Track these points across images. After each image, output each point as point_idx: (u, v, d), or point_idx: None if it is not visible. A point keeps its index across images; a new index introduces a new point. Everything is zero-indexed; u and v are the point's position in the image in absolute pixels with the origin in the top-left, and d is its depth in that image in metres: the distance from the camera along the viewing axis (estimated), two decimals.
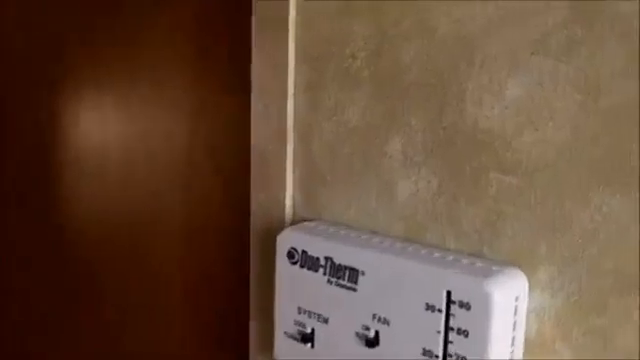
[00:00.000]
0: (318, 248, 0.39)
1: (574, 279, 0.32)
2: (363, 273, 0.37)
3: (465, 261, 0.35)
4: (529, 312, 0.33)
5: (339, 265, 0.38)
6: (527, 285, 0.33)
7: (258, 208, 0.47)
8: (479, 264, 0.34)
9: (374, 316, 0.37)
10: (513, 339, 0.33)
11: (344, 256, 0.38)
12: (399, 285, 0.35)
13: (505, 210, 0.34)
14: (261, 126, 0.46)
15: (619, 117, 0.30)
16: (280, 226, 0.45)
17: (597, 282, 0.32)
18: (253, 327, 0.48)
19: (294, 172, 0.44)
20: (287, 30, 0.44)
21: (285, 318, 0.42)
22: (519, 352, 0.33)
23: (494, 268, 0.34)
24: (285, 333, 0.42)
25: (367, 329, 0.37)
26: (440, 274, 0.34)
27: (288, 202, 0.45)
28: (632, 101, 0.29)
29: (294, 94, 0.44)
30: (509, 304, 0.32)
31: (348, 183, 0.41)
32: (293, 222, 0.45)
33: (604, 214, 0.31)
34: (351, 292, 0.38)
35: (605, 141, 0.30)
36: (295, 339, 0.41)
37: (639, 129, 0.29)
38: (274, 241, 0.44)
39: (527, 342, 0.33)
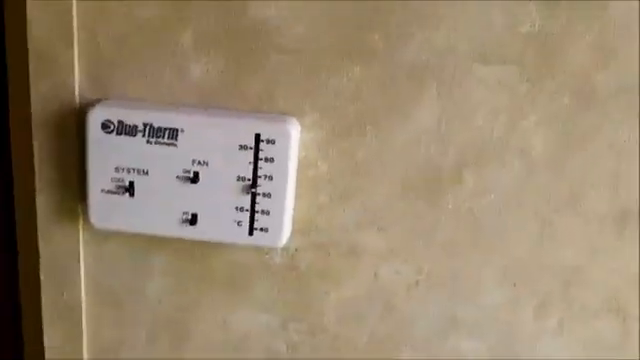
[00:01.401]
0: (135, 116, 0.52)
1: (329, 120, 0.53)
2: (182, 130, 0.51)
3: (259, 115, 0.52)
4: (300, 145, 0.53)
5: (159, 127, 0.52)
6: (299, 128, 0.53)
7: (40, 97, 0.55)
8: (270, 115, 0.52)
9: (194, 161, 0.52)
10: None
11: (163, 119, 0.52)
12: (216, 135, 0.51)
13: (279, 79, 0.53)
14: (40, 23, 0.54)
15: (359, 15, 0.50)
16: (70, 110, 0.55)
17: (344, 119, 0.53)
18: (42, 200, 0.57)
19: (79, 61, 0.54)
20: None
21: (102, 178, 0.53)
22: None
23: (281, 117, 0.52)
24: (102, 190, 0.53)
25: (187, 172, 0.52)
26: (250, 122, 0.51)
27: (76, 89, 0.55)
28: (366, 6, 0.50)
29: None
30: (296, 139, 0.51)
31: (140, 67, 0.54)
32: (82, 106, 0.55)
33: (349, 78, 0.52)
34: (171, 147, 0.52)
35: (349, 30, 0.51)
36: (113, 193, 0.53)
37: (372, 22, 0.50)
38: (64, 121, 0.54)
39: (298, 164, 0.53)
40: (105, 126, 0.52)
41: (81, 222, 0.58)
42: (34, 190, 0.59)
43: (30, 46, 0.54)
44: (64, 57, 0.54)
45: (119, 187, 0.53)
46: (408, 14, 0.50)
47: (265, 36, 0.52)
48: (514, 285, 0.56)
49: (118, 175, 0.53)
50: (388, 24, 0.51)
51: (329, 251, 0.57)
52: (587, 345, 0.58)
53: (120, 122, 0.52)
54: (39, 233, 0.58)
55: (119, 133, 0.52)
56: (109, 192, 0.53)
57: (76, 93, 0.55)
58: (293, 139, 0.51)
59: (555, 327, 0.57)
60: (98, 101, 0.54)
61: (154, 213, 0.53)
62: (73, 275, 0.59)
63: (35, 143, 0.56)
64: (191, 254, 0.58)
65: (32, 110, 0.56)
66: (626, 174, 0.53)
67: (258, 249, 0.57)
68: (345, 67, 0.52)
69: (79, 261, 0.58)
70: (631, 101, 0.51)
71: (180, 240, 0.56)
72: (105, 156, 0.53)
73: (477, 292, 0.57)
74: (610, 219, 0.54)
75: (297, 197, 0.54)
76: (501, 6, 0.50)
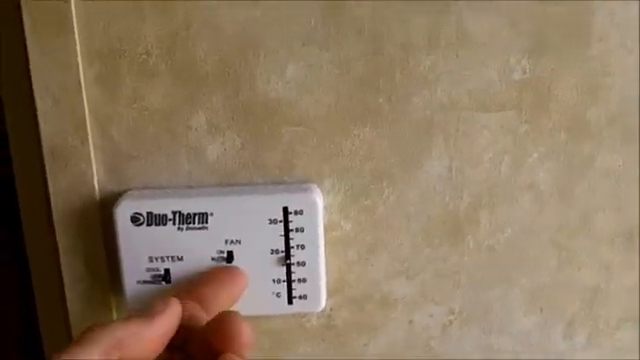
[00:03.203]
0: (163, 206, 0.58)
1: (347, 181, 0.60)
2: (212, 214, 0.58)
3: (281, 187, 0.60)
4: (323, 209, 0.60)
5: (188, 214, 0.58)
6: (321, 194, 0.60)
7: (60, 195, 0.61)
8: (293, 186, 0.60)
9: (226, 241, 0.59)
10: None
11: (192, 205, 0.58)
12: (245, 214, 0.58)
13: (296, 150, 0.60)
14: (52, 121, 0.60)
15: (363, 82, 0.58)
16: (92, 204, 0.61)
17: (361, 179, 0.61)
18: (73, 297, 0.63)
19: (95, 156, 0.61)
20: (73, 30, 0.59)
21: (136, 269, 0.59)
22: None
23: (304, 186, 0.60)
24: (138, 282, 0.60)
25: (221, 252, 0.59)
26: (276, 197, 0.58)
27: (96, 183, 0.61)
28: (369, 72, 0.58)
29: (86, 88, 0.60)
30: (321, 206, 0.59)
31: (157, 155, 0.60)
32: (103, 199, 0.62)
33: (360, 139, 0.60)
34: (202, 230, 0.58)
35: (355, 96, 0.59)
36: (149, 282, 0.59)
37: (374, 87, 0.59)
38: (87, 216, 0.61)
39: (324, 227, 0.60)
40: (135, 219, 0.59)
41: (115, 314, 0.64)
42: (59, 289, 0.65)
43: (44, 144, 0.60)
44: (80, 153, 0.60)
45: (155, 276, 0.60)
46: (407, 77, 0.58)
47: (277, 110, 0.59)
48: (541, 310, 0.65)
49: (152, 265, 0.60)
50: (390, 87, 0.59)
51: (363, 305, 0.64)
52: (614, 354, 0.67)
53: (149, 213, 0.59)
54: (74, 332, 0.64)
55: (149, 224, 0.59)
56: (145, 282, 0.60)
57: (96, 187, 0.61)
58: (319, 207, 0.58)
59: (584, 343, 0.66)
60: (120, 194, 0.61)
61: None
62: None
63: (60, 242, 0.62)
64: None
65: (53, 209, 0.62)
66: (625, 195, 0.62)
67: (295, 314, 0.64)
68: (356, 130, 0.60)
69: None
70: (619, 129, 0.60)
71: None
72: (137, 248, 0.59)
73: (508, 321, 0.65)
74: (619, 238, 0.63)
75: (326, 258, 0.61)
76: (494, 58, 0.58)
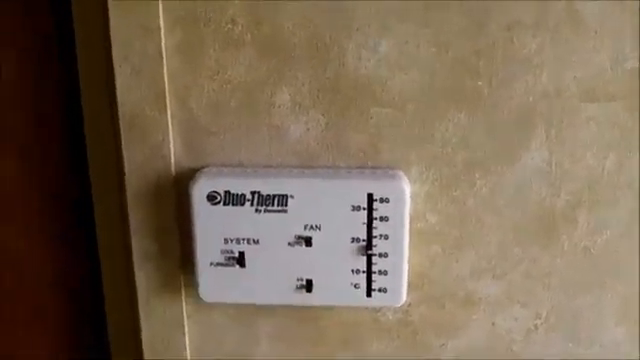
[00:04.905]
0: (242, 185, 0.55)
1: (436, 170, 0.56)
2: (292, 196, 0.55)
3: (367, 172, 0.56)
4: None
5: (267, 195, 0.55)
6: (409, 183, 0.56)
7: (135, 167, 0.58)
8: (379, 172, 0.56)
9: (306, 226, 0.55)
10: None
11: (272, 186, 0.55)
12: (327, 198, 0.54)
13: (383, 133, 0.56)
14: (131, 90, 0.57)
15: (461, 62, 0.54)
16: (167, 179, 0.58)
17: (452, 169, 0.56)
18: (143, 274, 0.60)
19: (173, 128, 0.58)
20: None
21: (210, 250, 0.56)
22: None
23: (390, 172, 0.56)
24: (211, 263, 0.57)
25: (300, 237, 0.55)
26: (361, 182, 0.54)
27: (172, 157, 0.58)
28: (469, 52, 0.54)
29: (167, 57, 0.57)
30: (409, 195, 0.55)
31: (237, 131, 0.57)
32: (179, 174, 0.59)
33: (454, 125, 0.56)
34: (281, 213, 0.55)
35: (452, 78, 0.55)
36: (222, 265, 0.56)
37: (473, 69, 0.54)
38: (162, 191, 0.58)
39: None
40: (211, 197, 0.56)
41: (184, 293, 0.61)
42: (125, 265, 0.63)
43: (121, 115, 0.57)
44: (158, 124, 0.57)
45: (229, 259, 0.56)
46: (510, 60, 0.54)
47: (366, 89, 0.55)
48: (635, 321, 0.60)
49: (227, 247, 0.56)
50: (491, 70, 0.54)
51: (444, 303, 0.60)
52: None
53: (227, 192, 0.55)
54: (140, 309, 0.61)
55: (226, 204, 0.56)
56: (219, 265, 0.57)
57: (172, 161, 0.58)
58: (407, 196, 0.54)
59: None
60: (196, 170, 0.58)
61: (267, 282, 0.57)
62: (179, 348, 0.62)
63: (132, 216, 0.60)
64: (301, 317, 0.61)
65: (127, 183, 0.59)
66: None
67: (370, 308, 0.60)
68: (450, 115, 0.55)
69: (184, 334, 0.62)
70: None
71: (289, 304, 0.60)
72: (213, 228, 0.56)
73: (598, 330, 0.60)
74: None
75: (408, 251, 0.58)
76: (607, 44, 0.53)
